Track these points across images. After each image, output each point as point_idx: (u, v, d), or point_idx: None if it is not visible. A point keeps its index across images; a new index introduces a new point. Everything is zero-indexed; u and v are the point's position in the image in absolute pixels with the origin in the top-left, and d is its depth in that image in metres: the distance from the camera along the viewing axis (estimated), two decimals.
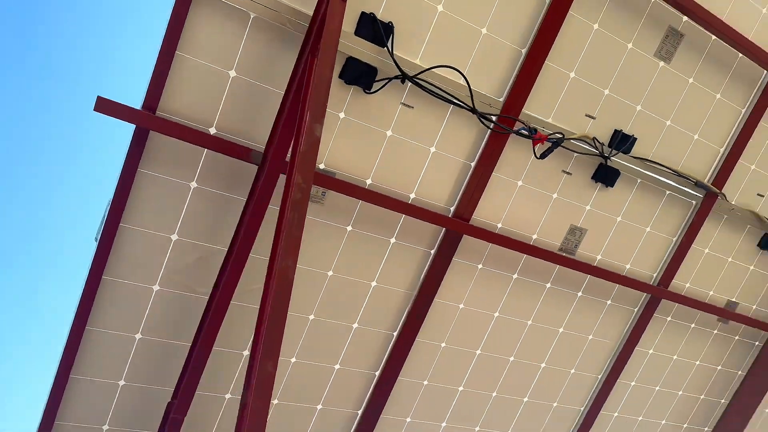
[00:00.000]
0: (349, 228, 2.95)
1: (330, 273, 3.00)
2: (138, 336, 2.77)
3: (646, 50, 3.23)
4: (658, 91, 3.34)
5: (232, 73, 2.53)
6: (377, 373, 3.33)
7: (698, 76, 3.41)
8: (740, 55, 3.42)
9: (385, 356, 3.31)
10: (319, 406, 3.27)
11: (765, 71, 3.54)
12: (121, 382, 2.81)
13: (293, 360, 3.10)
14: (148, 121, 2.40)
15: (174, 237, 2.68)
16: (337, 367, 3.22)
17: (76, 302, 2.61)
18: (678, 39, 3.27)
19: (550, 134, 3.00)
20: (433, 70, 2.78)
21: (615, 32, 3.12)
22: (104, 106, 2.30)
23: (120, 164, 2.49)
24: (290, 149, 2.43)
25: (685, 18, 3.22)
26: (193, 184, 2.63)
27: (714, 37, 3.32)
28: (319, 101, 2.04)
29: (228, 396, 3.05)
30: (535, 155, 3.06)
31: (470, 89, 2.80)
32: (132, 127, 2.42)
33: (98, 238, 2.57)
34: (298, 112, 2.19)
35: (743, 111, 3.61)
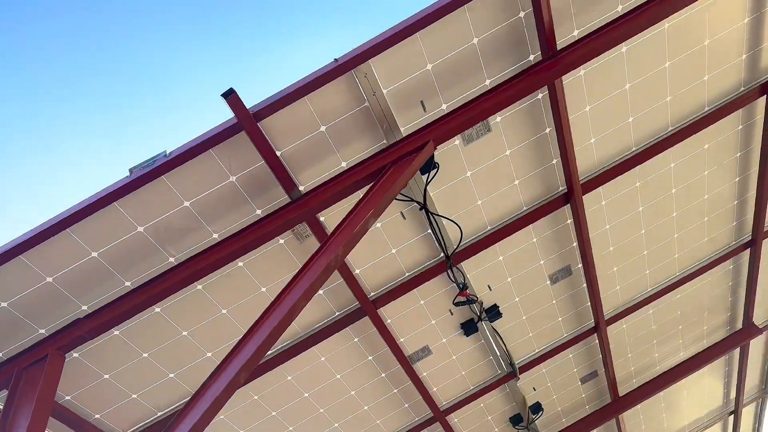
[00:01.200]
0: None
1: None
2: (94, 254, 3.00)
3: (540, 277, 4.33)
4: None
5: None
6: None
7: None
8: None
9: None
10: None
11: None
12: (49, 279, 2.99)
13: None
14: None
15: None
16: None
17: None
18: (567, 273, 4.43)
19: (472, 295, 3.90)
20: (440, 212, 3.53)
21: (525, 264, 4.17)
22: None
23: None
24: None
25: (579, 264, 4.39)
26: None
27: None
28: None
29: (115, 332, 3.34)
30: (453, 301, 3.94)
31: (460, 243, 3.62)
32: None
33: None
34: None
35: None
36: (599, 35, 3.02)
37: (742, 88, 3.74)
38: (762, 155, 4.03)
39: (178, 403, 3.86)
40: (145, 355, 3.50)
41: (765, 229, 4.72)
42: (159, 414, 3.86)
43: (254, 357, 2.63)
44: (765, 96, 3.74)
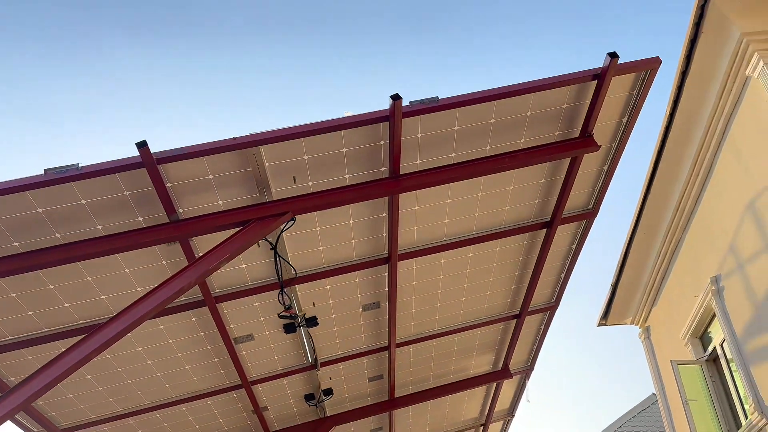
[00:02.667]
0: None
1: None
2: None
3: (355, 305, 5.50)
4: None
5: None
6: None
7: None
8: None
9: None
10: None
11: None
12: None
13: None
14: None
15: None
16: None
17: None
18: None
19: (294, 313, 4.96)
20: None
21: None
22: None
23: None
24: None
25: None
26: None
27: None
28: None
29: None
30: (279, 313, 4.97)
31: (295, 276, 4.62)
32: None
33: None
34: None
35: None
36: (433, 173, 4.11)
37: (531, 220, 5.05)
38: (535, 270, 5.44)
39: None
40: (13, 295, 4.20)
41: (529, 308, 6.22)
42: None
43: (97, 349, 3.49)
44: (544, 229, 5.08)
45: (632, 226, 9.99)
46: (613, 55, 3.61)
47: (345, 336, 5.88)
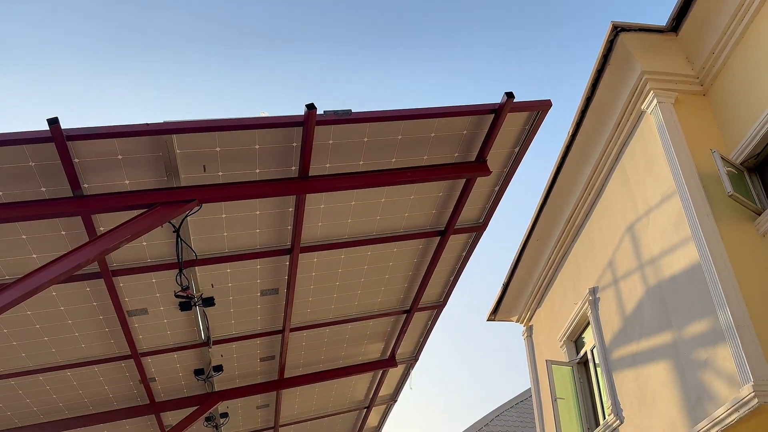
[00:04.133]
0: None
1: None
2: None
3: (255, 289, 5.68)
4: None
5: None
6: None
7: None
8: None
9: None
10: None
11: None
12: None
13: None
14: None
15: None
16: None
17: None
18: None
19: (191, 293, 5.07)
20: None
21: None
22: None
23: None
24: None
25: None
26: None
27: None
28: None
29: None
30: (175, 292, 5.06)
31: (196, 258, 4.73)
32: None
33: None
34: None
35: None
36: (340, 178, 4.34)
37: (428, 228, 5.40)
38: (427, 272, 5.82)
39: None
40: None
41: (419, 306, 6.62)
42: None
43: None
44: (438, 237, 5.46)
45: (527, 232, 10.69)
46: (510, 95, 3.98)
47: (241, 318, 6.05)
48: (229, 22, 28.35)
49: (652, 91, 7.51)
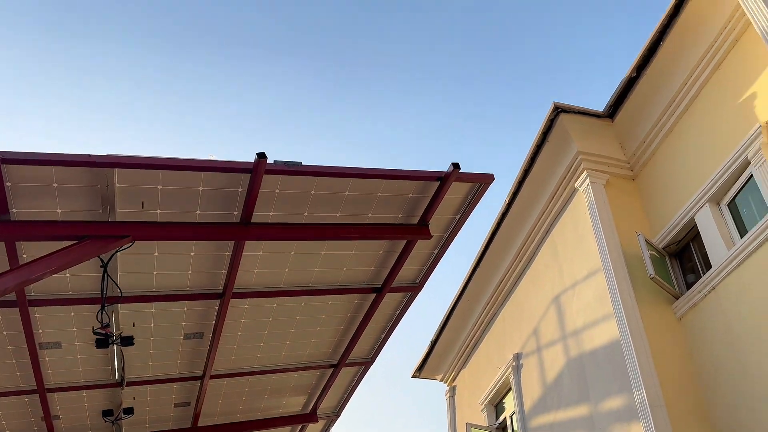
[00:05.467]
0: None
1: None
2: None
3: (178, 331, 5.47)
4: None
5: None
6: None
7: None
8: None
9: None
10: None
11: None
12: None
13: None
14: None
15: None
16: None
17: None
18: None
19: (110, 332, 4.83)
20: None
21: None
22: None
23: None
24: None
25: None
26: None
27: None
28: None
29: None
30: (93, 329, 4.80)
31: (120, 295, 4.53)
32: None
33: None
34: None
35: None
36: (282, 228, 4.31)
37: (365, 284, 5.39)
38: (359, 327, 5.79)
39: None
40: None
41: (347, 360, 6.53)
42: None
43: None
44: (374, 293, 5.46)
45: (458, 293, 10.84)
46: (456, 166, 4.11)
47: (159, 360, 5.78)
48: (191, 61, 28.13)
49: (585, 171, 7.89)
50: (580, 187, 8.00)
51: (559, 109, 7.82)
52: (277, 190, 4.19)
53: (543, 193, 8.74)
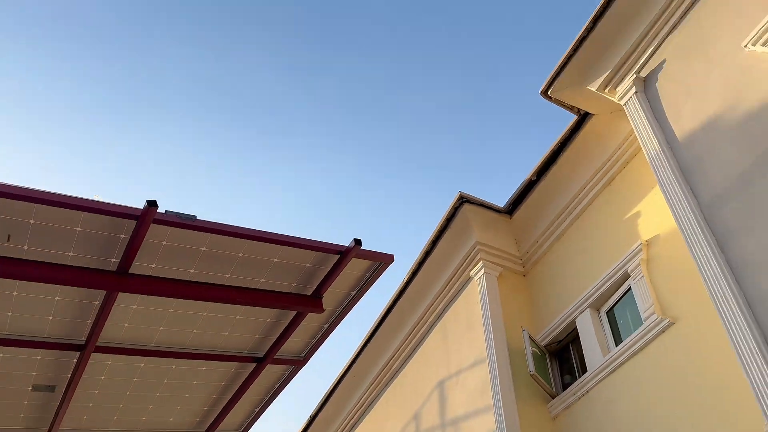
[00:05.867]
0: None
1: None
2: None
3: (27, 381, 4.89)
4: None
5: None
6: None
7: None
8: None
9: None
10: None
11: None
12: None
13: None
14: None
15: None
16: None
17: None
18: None
19: None
20: None
21: None
22: None
23: None
24: None
25: None
26: None
27: None
28: None
29: None
30: None
31: None
32: None
33: None
34: None
35: None
36: (163, 282, 4.02)
37: (246, 352, 5.10)
38: (233, 398, 5.44)
39: None
40: None
41: None
42: None
43: None
44: (255, 363, 5.17)
45: (345, 369, 10.58)
46: (358, 242, 4.05)
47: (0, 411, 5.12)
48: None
49: (481, 261, 8.11)
50: (475, 275, 8.18)
51: (464, 199, 8.06)
52: (164, 242, 3.92)
53: (440, 277, 8.86)
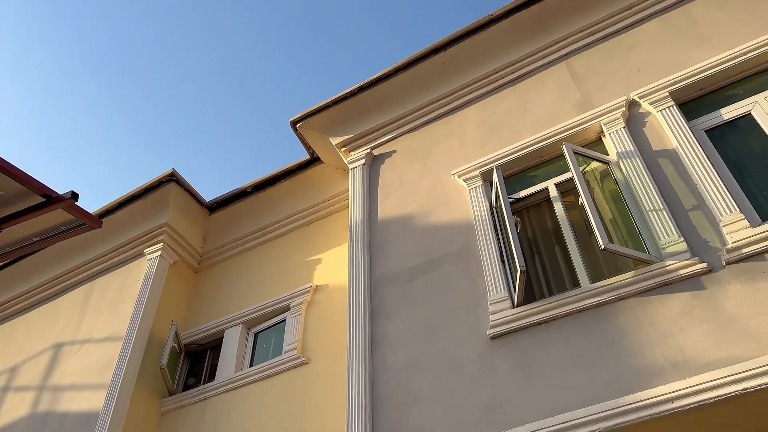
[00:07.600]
0: None
1: None
2: None
3: None
4: None
5: None
6: None
7: None
8: None
9: None
10: None
11: None
12: None
13: None
14: None
15: None
16: None
17: None
18: None
19: None
20: None
21: None
22: None
23: None
24: None
25: None
26: None
27: None
28: None
29: None
30: None
31: None
32: None
33: None
34: None
35: None
36: None
37: None
38: None
39: None
40: None
41: None
42: None
43: None
44: None
45: None
46: (75, 196, 3.80)
47: None
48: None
49: (162, 243, 7.94)
50: (148, 254, 7.95)
51: (174, 178, 7.89)
52: None
53: (111, 240, 8.37)
